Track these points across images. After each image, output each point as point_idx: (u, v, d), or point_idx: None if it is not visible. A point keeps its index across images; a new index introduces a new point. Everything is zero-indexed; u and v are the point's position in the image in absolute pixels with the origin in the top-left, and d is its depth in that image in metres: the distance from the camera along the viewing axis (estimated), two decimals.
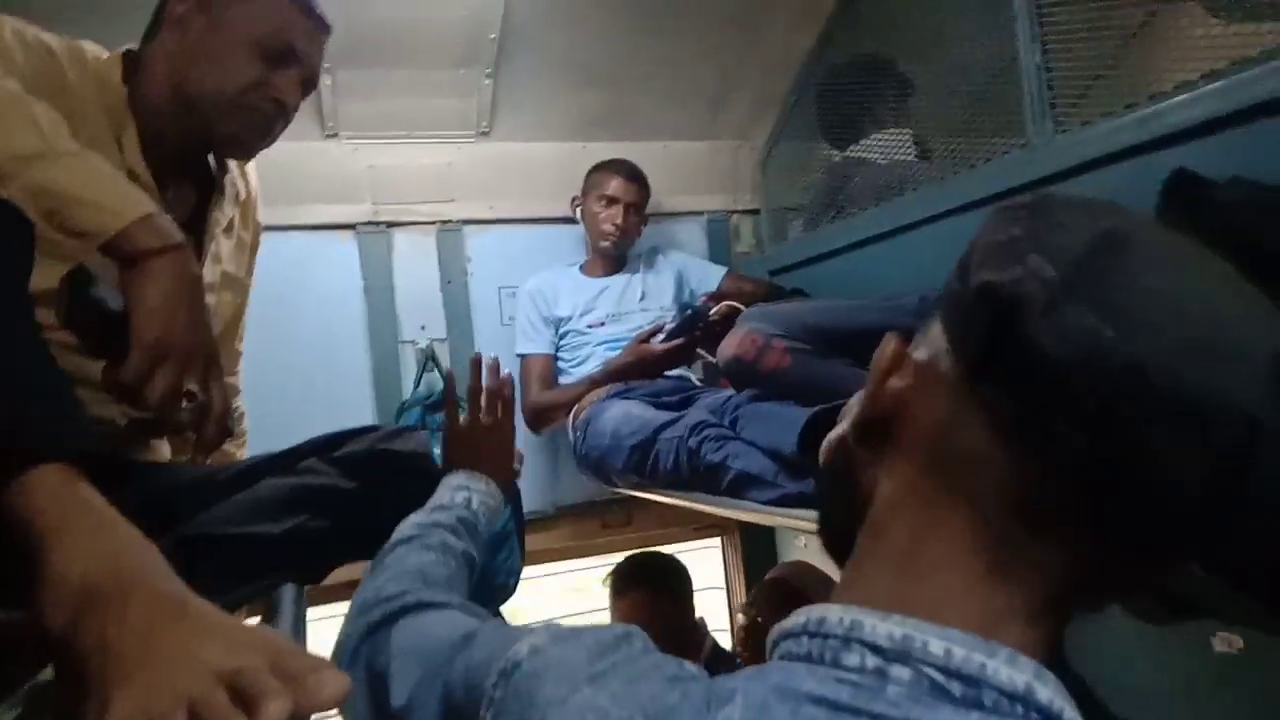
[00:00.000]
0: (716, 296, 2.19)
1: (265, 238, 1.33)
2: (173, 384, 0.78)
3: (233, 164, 1.20)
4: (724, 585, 2.63)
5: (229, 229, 1.20)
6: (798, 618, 0.45)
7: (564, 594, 3.48)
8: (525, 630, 0.54)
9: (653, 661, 0.48)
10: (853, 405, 0.52)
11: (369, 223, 2.20)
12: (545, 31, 2.08)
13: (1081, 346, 0.38)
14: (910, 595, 0.43)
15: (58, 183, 0.76)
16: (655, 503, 1.92)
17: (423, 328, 2.23)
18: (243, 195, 1.23)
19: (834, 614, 0.43)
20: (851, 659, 0.41)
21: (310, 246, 2.15)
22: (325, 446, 1.05)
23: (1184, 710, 1.07)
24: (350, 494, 1.00)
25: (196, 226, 1.13)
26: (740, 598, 2.58)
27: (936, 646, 0.40)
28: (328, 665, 0.46)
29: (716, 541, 2.63)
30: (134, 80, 1.04)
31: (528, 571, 2.03)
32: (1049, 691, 0.39)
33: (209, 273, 1.15)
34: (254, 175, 1.27)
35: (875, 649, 0.41)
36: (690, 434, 1.50)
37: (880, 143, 1.94)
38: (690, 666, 0.48)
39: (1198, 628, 0.96)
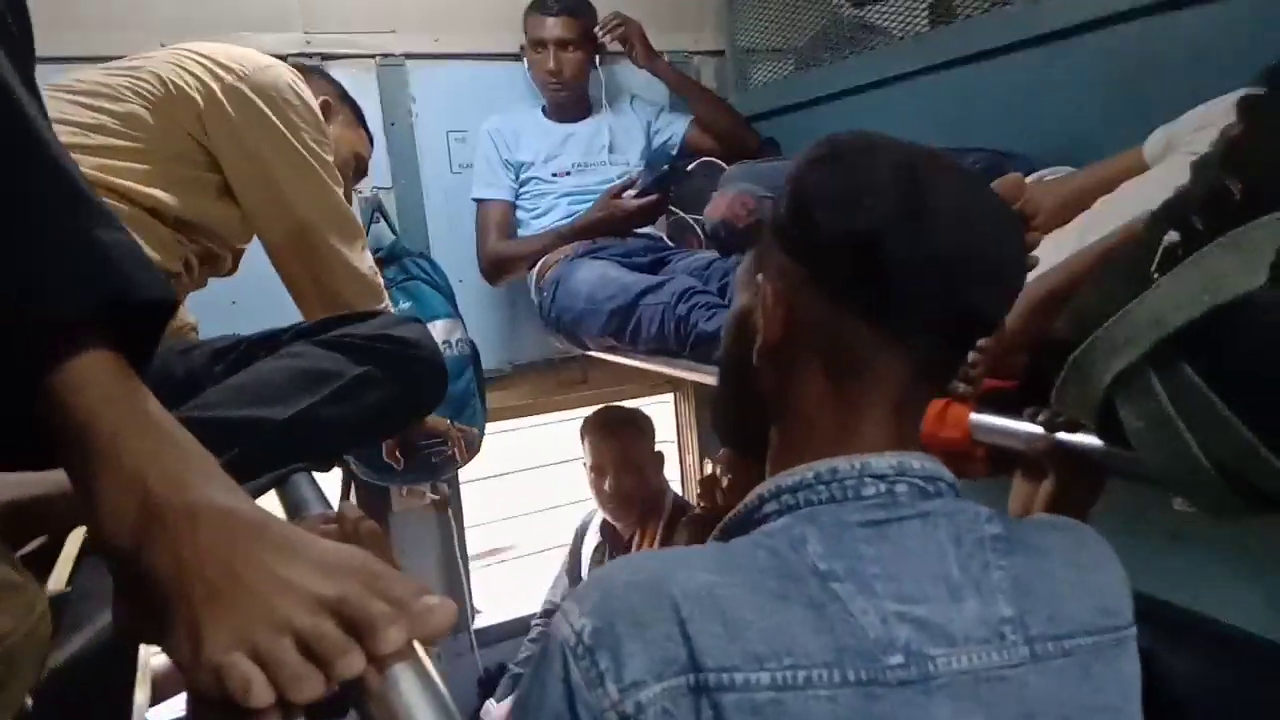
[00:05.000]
0: (687, 148, 2.09)
1: None
2: None
3: None
4: (675, 440, 2.67)
5: None
6: (800, 474, 0.59)
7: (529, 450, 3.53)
8: None
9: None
10: (737, 324, 0.67)
11: (301, 54, 1.96)
12: None
13: (919, 256, 0.56)
14: (859, 444, 0.59)
15: None
16: (609, 361, 1.89)
17: None
18: None
19: (842, 464, 0.58)
20: (868, 490, 0.57)
21: None
22: (316, 330, 1.00)
23: (1146, 562, 1.16)
24: (359, 378, 0.95)
25: None
26: (692, 452, 2.63)
27: (916, 464, 0.58)
28: (427, 589, 0.42)
29: (669, 398, 2.65)
30: None
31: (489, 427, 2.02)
32: (933, 465, 0.60)
33: None
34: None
35: (881, 477, 0.57)
36: (678, 301, 1.45)
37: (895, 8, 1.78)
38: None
39: (1159, 490, 1.02)
